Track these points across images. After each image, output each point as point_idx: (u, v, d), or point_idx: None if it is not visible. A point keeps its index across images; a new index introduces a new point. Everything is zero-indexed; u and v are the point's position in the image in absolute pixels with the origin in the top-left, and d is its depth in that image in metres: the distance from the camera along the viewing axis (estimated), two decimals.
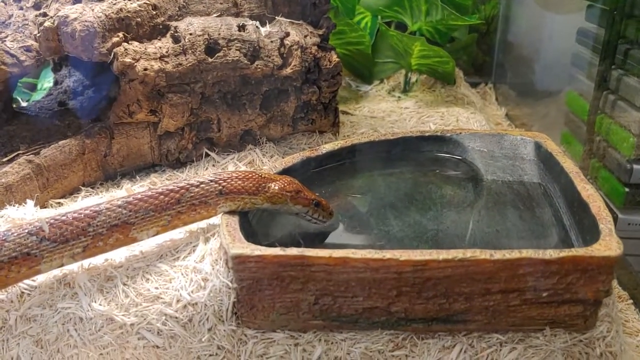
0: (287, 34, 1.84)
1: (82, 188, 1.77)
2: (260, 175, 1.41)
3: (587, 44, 2.31)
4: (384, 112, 2.33)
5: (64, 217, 1.29)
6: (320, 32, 1.93)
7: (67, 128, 1.85)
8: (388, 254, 1.14)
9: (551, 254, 1.14)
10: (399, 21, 2.61)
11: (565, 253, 1.14)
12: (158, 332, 1.26)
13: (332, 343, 1.23)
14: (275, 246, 1.21)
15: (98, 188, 1.79)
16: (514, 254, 1.14)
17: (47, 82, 2.55)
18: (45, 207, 1.66)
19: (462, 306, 1.19)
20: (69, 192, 1.75)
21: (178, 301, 1.27)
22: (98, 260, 1.37)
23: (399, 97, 2.54)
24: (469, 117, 2.25)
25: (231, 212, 1.37)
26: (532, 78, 2.85)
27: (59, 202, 1.70)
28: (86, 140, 1.75)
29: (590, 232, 1.28)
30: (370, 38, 2.53)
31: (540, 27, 2.82)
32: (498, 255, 1.14)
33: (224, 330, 1.25)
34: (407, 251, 1.15)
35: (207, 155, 1.86)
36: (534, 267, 1.15)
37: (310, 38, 1.88)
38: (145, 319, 1.27)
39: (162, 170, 1.85)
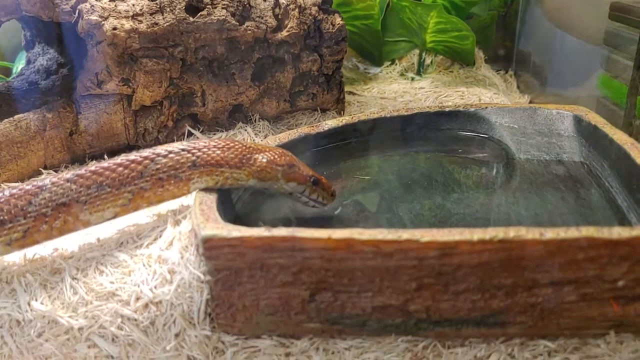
0: None
1: (44, 171, 1.53)
2: (245, 145, 1.15)
3: (622, 19, 2.06)
4: (396, 92, 2.08)
5: None
6: None
7: (32, 106, 1.60)
8: (405, 234, 0.88)
9: (620, 232, 0.88)
10: None
11: (638, 231, 0.87)
12: (112, 339, 1.02)
13: (332, 353, 1.00)
14: (259, 226, 0.94)
15: (63, 171, 1.53)
16: (571, 233, 0.88)
17: (22, 64, 2.31)
18: None
19: (501, 303, 0.93)
20: (28, 175, 1.52)
21: (138, 299, 1.03)
22: (46, 250, 1.14)
23: (413, 78, 2.28)
24: (492, 97, 2.01)
25: (208, 190, 1.12)
26: (559, 62, 2.62)
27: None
28: (47, 114, 1.50)
29: None
30: (380, 13, 2.27)
31: (566, 5, 2.58)
32: (550, 234, 0.88)
33: (195, 336, 1.01)
34: (430, 230, 0.89)
35: (191, 134, 1.62)
36: (597, 251, 0.88)
37: None
38: (96, 322, 1.03)
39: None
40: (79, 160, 1.59)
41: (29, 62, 1.90)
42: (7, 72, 2.45)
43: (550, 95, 2.68)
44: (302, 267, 0.93)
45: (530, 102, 2.65)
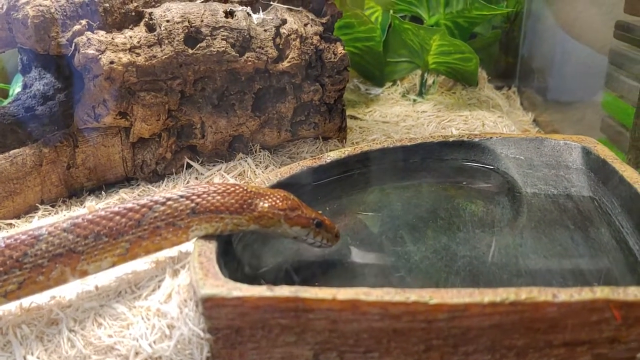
0: (284, 22, 1.55)
1: (40, 206, 1.48)
2: (245, 190, 1.11)
3: (627, 39, 2.03)
4: (398, 116, 2.04)
5: None
6: (324, 20, 1.64)
7: (27, 137, 1.57)
8: (413, 296, 0.84)
9: (636, 294, 0.84)
10: (414, 15, 2.32)
11: None
12: None
13: None
14: (261, 284, 0.90)
15: (60, 206, 1.51)
16: (586, 294, 0.84)
17: (18, 87, 2.27)
18: None
19: None
20: (24, 211, 1.47)
21: (137, 354, 0.99)
22: (43, 298, 1.09)
23: (415, 100, 2.25)
24: (496, 122, 1.96)
25: (208, 237, 1.08)
26: (563, 80, 2.57)
27: (9, 224, 1.42)
28: (44, 149, 1.46)
29: None
30: (382, 34, 2.24)
31: (571, 22, 2.53)
32: (563, 296, 0.84)
33: None
34: (439, 291, 0.85)
35: (190, 166, 1.57)
36: (613, 312, 0.84)
37: (312, 27, 1.59)
38: None
39: (136, 185, 1.56)
40: (77, 194, 1.55)
41: (25, 86, 1.86)
42: (4, 93, 2.41)
43: (554, 113, 2.63)
44: (305, 328, 0.89)
45: (534, 120, 2.60)
